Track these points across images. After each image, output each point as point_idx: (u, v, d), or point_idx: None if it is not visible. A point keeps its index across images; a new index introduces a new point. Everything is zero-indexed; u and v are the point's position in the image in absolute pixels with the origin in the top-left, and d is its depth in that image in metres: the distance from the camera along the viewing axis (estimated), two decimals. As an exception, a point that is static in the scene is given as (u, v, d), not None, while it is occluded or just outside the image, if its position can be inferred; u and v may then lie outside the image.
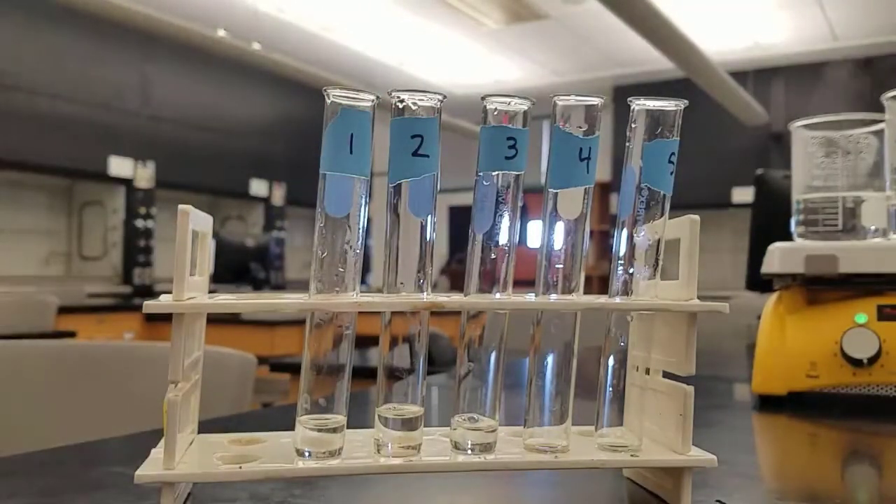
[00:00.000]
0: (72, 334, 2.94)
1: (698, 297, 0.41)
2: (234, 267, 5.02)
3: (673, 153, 0.40)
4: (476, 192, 0.39)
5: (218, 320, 3.23)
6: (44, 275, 5.10)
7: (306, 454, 0.38)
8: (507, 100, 0.39)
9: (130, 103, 5.25)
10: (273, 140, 6.36)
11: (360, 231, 0.38)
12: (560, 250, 0.40)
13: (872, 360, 0.72)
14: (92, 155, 5.02)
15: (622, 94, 0.42)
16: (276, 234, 6.36)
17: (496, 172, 0.39)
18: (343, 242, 0.38)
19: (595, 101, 0.39)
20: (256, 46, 5.05)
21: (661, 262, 0.41)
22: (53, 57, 4.76)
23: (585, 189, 0.40)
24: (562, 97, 0.39)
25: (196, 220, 0.38)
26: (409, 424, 0.39)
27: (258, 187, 6.30)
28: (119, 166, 5.18)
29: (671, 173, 0.41)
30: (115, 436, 0.59)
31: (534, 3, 4.59)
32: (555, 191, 0.40)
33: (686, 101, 0.40)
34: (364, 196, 0.38)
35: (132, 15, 4.40)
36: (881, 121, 0.78)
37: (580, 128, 0.39)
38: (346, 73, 5.90)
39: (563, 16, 4.72)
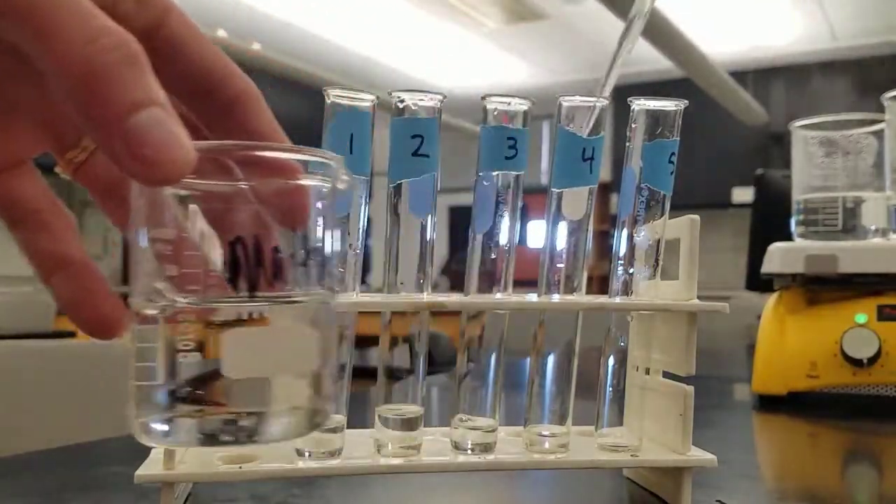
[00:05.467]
0: (71, 334, 2.93)
1: (698, 297, 0.41)
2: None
3: (673, 153, 0.40)
4: (476, 192, 0.39)
5: (218, 320, 3.21)
6: (44, 275, 5.08)
7: (306, 454, 0.38)
8: (507, 100, 0.39)
9: (130, 103, 5.23)
10: (273, 140, 6.34)
11: (360, 231, 0.38)
12: (563, 250, 0.40)
13: (872, 360, 0.72)
14: (92, 155, 5.00)
15: (622, 94, 0.42)
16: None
17: (496, 172, 0.39)
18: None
19: (600, 103, 0.39)
20: (256, 46, 5.04)
21: (661, 262, 0.41)
22: (53, 57, 4.74)
23: (590, 189, 0.40)
24: (567, 98, 0.39)
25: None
26: (409, 424, 0.39)
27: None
28: (119, 166, 5.16)
29: (671, 173, 0.41)
30: (115, 436, 0.59)
31: (534, 3, 4.58)
32: (558, 190, 0.40)
33: (686, 101, 0.40)
34: (364, 196, 0.38)
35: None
36: (881, 121, 0.78)
37: (584, 128, 0.39)
38: (346, 73, 5.89)
39: (563, 16, 4.72)
